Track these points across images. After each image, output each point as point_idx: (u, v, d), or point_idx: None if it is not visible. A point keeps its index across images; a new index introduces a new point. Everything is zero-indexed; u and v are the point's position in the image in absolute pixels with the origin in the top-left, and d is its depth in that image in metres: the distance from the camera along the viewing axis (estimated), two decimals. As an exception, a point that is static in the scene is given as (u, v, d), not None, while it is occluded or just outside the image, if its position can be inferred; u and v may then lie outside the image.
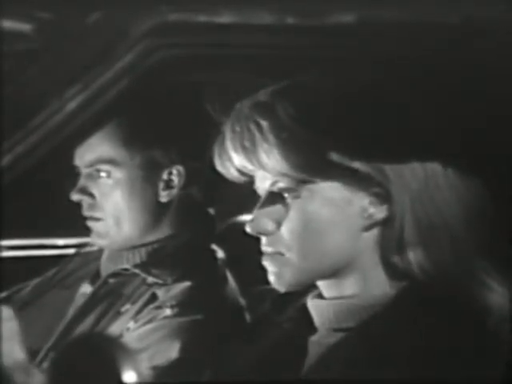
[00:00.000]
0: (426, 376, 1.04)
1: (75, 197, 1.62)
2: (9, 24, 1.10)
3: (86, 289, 1.67)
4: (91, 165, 1.60)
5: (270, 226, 1.12)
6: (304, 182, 1.10)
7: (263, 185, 1.14)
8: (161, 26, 1.12)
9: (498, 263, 1.09)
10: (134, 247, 1.63)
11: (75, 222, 1.66)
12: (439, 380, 1.04)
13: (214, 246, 1.66)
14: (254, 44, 1.17)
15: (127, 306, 1.57)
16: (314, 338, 1.16)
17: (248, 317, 1.55)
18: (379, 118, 1.09)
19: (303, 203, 1.11)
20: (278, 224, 1.12)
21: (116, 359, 1.04)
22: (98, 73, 1.12)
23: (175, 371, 1.45)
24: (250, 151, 1.11)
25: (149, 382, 1.40)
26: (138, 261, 1.62)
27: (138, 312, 1.54)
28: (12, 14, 1.10)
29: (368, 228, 1.10)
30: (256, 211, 1.13)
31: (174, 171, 1.61)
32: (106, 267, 1.67)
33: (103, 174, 1.59)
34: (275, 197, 1.12)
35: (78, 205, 1.63)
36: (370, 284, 1.12)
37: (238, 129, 1.12)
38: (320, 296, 1.17)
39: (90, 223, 1.63)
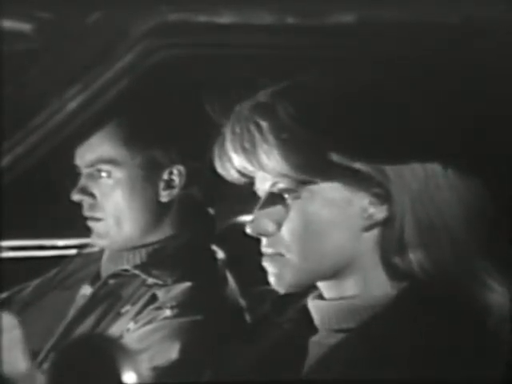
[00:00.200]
0: (426, 376, 1.03)
1: (76, 197, 1.62)
2: (9, 24, 1.10)
3: (87, 290, 1.67)
4: (92, 165, 1.60)
5: (270, 226, 1.12)
6: (304, 182, 1.10)
7: (263, 186, 1.14)
8: (161, 26, 1.12)
9: (498, 263, 1.09)
10: (135, 248, 1.63)
11: (75, 223, 1.66)
12: (439, 380, 1.04)
13: (214, 247, 1.66)
14: (254, 44, 1.18)
15: (127, 307, 1.57)
16: (314, 339, 1.16)
17: (248, 317, 1.55)
18: (379, 118, 1.09)
19: (303, 204, 1.10)
20: (279, 225, 1.12)
21: (116, 360, 1.04)
22: (98, 73, 1.12)
23: (175, 372, 1.45)
24: (250, 152, 1.11)
25: (149, 382, 1.40)
26: (138, 262, 1.62)
27: (138, 313, 1.54)
28: (12, 14, 1.10)
29: (368, 228, 1.10)
30: (256, 212, 1.13)
31: (175, 171, 1.61)
32: (106, 268, 1.67)
33: (104, 174, 1.59)
34: (275, 198, 1.12)
35: (79, 205, 1.63)
36: (370, 284, 1.12)
37: (238, 130, 1.12)
38: (320, 297, 1.17)
39: (90, 223, 1.63)
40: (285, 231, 1.11)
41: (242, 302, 1.60)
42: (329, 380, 1.09)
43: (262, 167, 1.11)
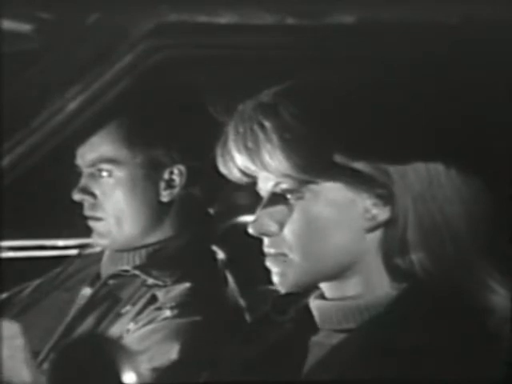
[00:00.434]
0: (426, 376, 1.04)
1: (77, 196, 1.62)
2: (9, 24, 1.10)
3: (87, 291, 1.67)
4: (93, 164, 1.60)
5: (272, 227, 1.12)
6: (307, 182, 1.10)
7: (266, 186, 1.14)
8: (161, 26, 1.12)
9: (499, 264, 1.09)
10: (135, 248, 1.63)
11: (76, 223, 1.66)
12: (440, 380, 1.04)
13: (215, 247, 1.66)
14: (254, 44, 1.18)
15: (127, 308, 1.57)
16: (315, 339, 1.16)
17: (248, 317, 1.54)
18: (382, 118, 1.09)
19: (306, 204, 1.10)
20: (281, 225, 1.12)
21: (116, 360, 1.04)
22: (98, 73, 1.12)
23: (175, 372, 1.45)
24: (253, 152, 1.11)
25: (149, 382, 1.40)
26: (137, 262, 1.62)
27: (138, 313, 1.54)
28: (12, 14, 1.10)
29: (371, 229, 1.10)
30: (259, 212, 1.13)
31: (176, 171, 1.61)
32: (106, 268, 1.67)
33: (105, 174, 1.59)
34: (278, 198, 1.12)
35: (79, 205, 1.63)
36: (372, 285, 1.11)
37: (241, 130, 1.12)
38: (322, 297, 1.16)
39: (91, 223, 1.63)
40: (287, 231, 1.11)
41: (242, 302, 1.60)
42: (329, 380, 1.09)
43: (265, 167, 1.11)
